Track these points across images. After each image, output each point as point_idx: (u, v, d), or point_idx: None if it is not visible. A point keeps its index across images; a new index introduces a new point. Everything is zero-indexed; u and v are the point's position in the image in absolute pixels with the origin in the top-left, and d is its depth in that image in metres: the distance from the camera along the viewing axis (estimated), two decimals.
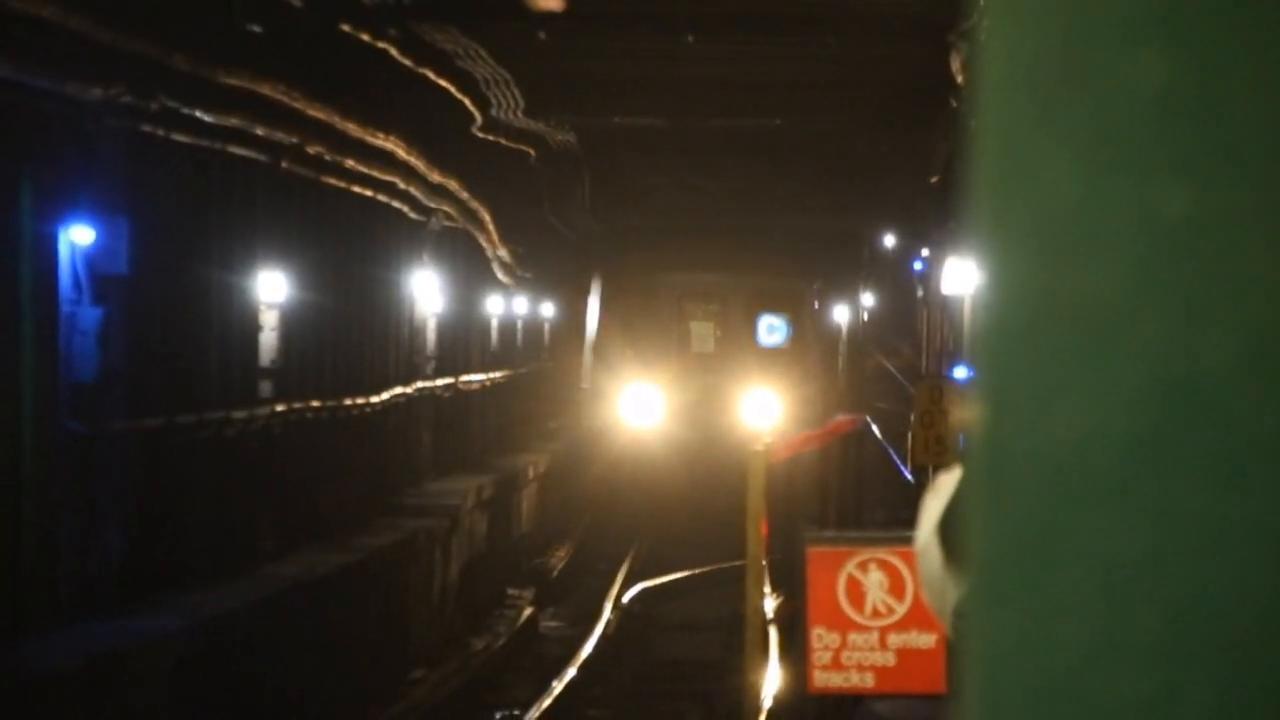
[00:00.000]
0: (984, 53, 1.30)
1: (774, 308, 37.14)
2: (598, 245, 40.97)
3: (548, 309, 44.10)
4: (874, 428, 24.52)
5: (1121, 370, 1.26)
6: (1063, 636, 1.25)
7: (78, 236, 16.13)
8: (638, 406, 35.79)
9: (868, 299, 57.31)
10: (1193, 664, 1.24)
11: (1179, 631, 1.24)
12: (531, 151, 33.19)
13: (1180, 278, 1.26)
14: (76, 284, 16.26)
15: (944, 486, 2.85)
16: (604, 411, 36.64)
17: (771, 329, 37.12)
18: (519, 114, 28.22)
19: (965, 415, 1.32)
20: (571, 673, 22.44)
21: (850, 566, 10.77)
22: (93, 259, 16.44)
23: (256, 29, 17.71)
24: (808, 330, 37.44)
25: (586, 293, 38.36)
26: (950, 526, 2.76)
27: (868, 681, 10.86)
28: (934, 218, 34.76)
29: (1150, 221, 1.26)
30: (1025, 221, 1.29)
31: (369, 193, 23.80)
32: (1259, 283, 1.26)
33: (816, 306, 38.48)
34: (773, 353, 36.78)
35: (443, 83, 24.64)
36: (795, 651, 10.96)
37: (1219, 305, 1.26)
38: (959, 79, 21.20)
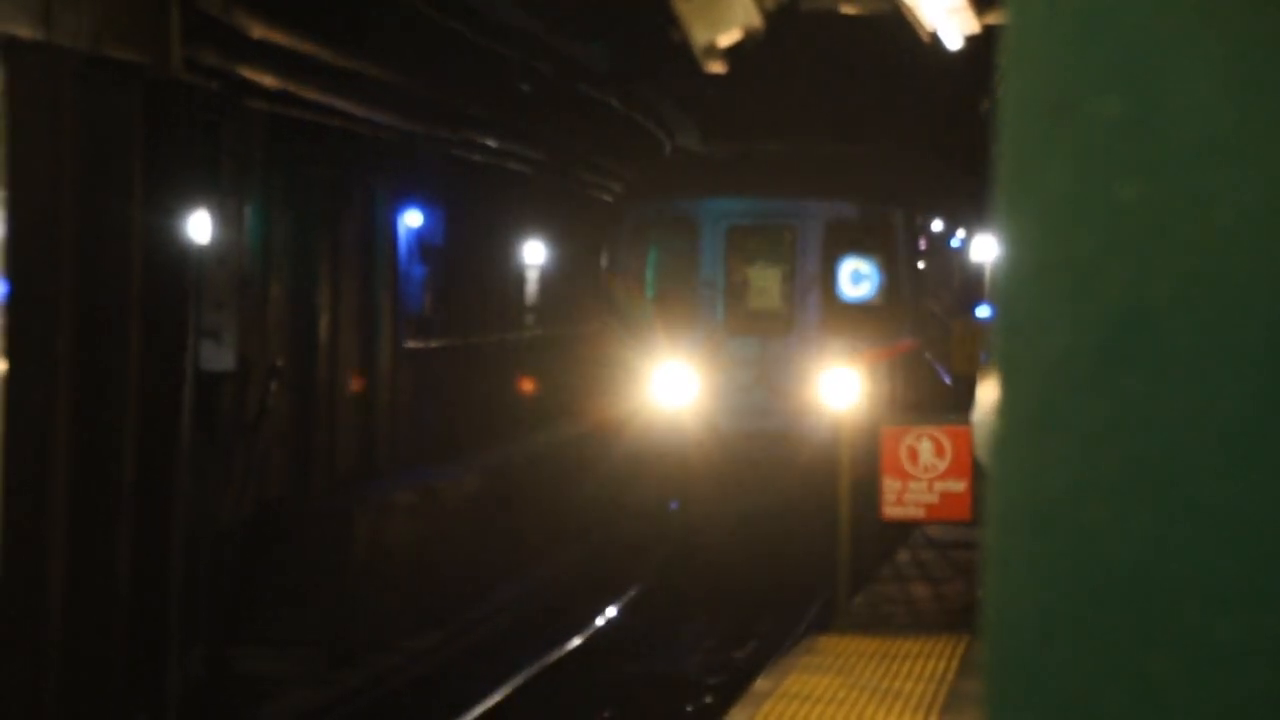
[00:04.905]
0: (1002, 95, 1.30)
1: (860, 247, 16.78)
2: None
3: None
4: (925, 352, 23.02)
5: (1091, 305, 1.26)
6: (1052, 478, 1.25)
7: (410, 220, 16.34)
8: (669, 388, 15.93)
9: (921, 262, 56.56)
10: (1144, 497, 1.23)
11: (1135, 473, 1.24)
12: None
13: (1133, 241, 1.25)
14: (410, 252, 16.47)
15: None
16: (634, 393, 16.27)
17: (857, 277, 16.75)
18: (695, 140, 28.17)
19: (989, 338, 1.32)
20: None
21: (909, 438, 10.71)
22: (420, 235, 16.66)
23: (525, 88, 17.82)
24: (905, 278, 17.08)
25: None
26: None
27: (920, 514, 10.83)
28: (971, 206, 34.22)
29: (1113, 206, 1.26)
30: (1029, 209, 1.28)
31: (594, 193, 23.90)
32: (1186, 246, 1.25)
33: (918, 245, 18.25)
34: (859, 310, 16.49)
35: (644, 120, 24.63)
36: (873, 495, 10.92)
37: (1159, 259, 1.25)
38: (985, 113, 20.89)
